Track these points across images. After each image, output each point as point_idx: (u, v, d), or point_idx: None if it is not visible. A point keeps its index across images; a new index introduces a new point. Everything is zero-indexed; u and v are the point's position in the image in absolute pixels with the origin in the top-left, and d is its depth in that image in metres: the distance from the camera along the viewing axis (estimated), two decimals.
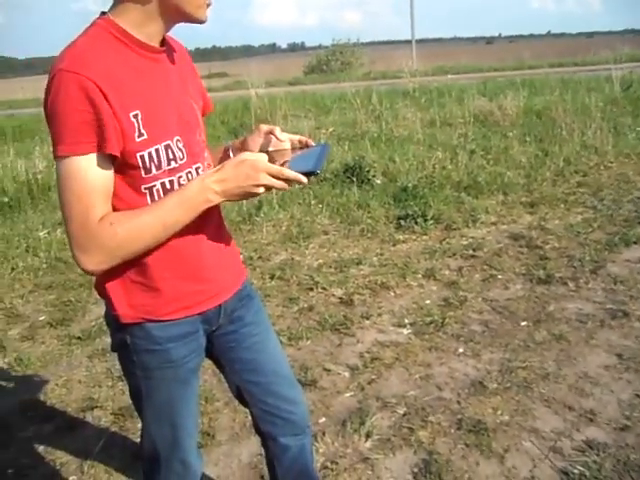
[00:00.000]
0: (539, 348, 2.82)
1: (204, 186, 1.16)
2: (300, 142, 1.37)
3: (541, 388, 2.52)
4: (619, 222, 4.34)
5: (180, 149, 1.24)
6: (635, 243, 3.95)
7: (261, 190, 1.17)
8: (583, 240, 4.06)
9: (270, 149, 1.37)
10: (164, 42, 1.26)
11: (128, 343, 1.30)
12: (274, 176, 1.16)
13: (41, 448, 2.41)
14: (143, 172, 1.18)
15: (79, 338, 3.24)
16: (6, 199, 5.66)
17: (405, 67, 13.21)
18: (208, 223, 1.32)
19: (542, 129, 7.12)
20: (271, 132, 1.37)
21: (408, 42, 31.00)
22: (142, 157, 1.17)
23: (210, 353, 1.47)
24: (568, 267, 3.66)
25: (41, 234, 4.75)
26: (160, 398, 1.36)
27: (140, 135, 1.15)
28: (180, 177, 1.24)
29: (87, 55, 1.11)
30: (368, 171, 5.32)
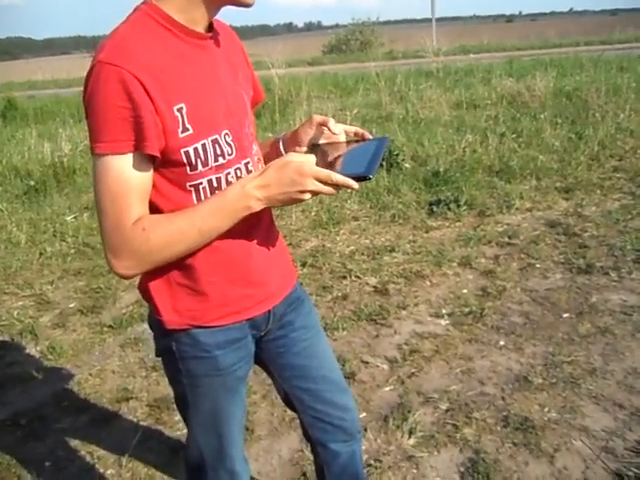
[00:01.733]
0: (584, 341, 2.73)
1: (245, 192, 1.07)
2: (356, 134, 1.27)
3: (588, 384, 2.43)
4: None
5: (229, 144, 1.15)
6: None
7: (307, 196, 1.07)
8: (623, 228, 3.93)
9: (322, 142, 1.27)
10: (212, 28, 1.17)
11: (174, 350, 1.24)
12: (322, 181, 1.05)
13: (77, 440, 2.38)
14: (188, 169, 1.10)
15: (110, 326, 3.21)
16: (32, 182, 5.64)
17: (427, 46, 12.98)
18: (258, 224, 1.24)
19: (573, 111, 6.92)
20: (324, 124, 1.26)
21: (427, 21, 30.54)
22: (187, 153, 1.08)
23: (258, 359, 1.41)
24: (609, 256, 3.54)
25: (68, 218, 4.73)
26: (207, 407, 1.30)
27: (185, 130, 1.07)
28: (228, 174, 1.16)
29: (128, 45, 1.02)
30: (397, 155, 5.20)
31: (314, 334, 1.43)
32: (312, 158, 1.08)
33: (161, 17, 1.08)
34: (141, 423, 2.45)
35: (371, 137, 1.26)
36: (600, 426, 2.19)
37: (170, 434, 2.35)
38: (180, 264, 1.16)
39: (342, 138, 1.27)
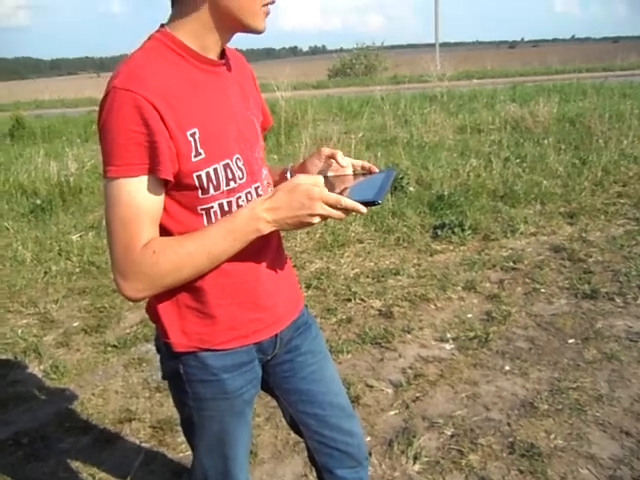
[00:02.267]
0: (590, 367, 2.71)
1: (254, 215, 1.08)
2: (363, 168, 1.28)
3: (595, 411, 2.41)
4: None
5: (240, 168, 1.17)
6: None
7: (316, 220, 1.07)
8: (627, 254, 3.93)
9: (329, 174, 1.29)
10: (224, 54, 1.19)
11: (181, 373, 1.23)
12: (331, 205, 1.06)
13: (79, 461, 2.36)
14: (200, 193, 1.11)
15: (114, 346, 3.20)
16: (38, 201, 5.66)
17: (432, 71, 13.12)
18: (267, 248, 1.25)
19: (577, 137, 6.96)
20: (332, 156, 1.27)
21: (431, 46, 30.86)
22: (199, 177, 1.10)
23: (264, 382, 1.40)
24: (614, 282, 3.54)
25: (74, 237, 4.74)
26: (213, 430, 1.29)
27: (197, 154, 1.08)
28: (239, 198, 1.17)
29: (143, 71, 1.05)
30: (402, 178, 5.22)
31: (321, 359, 1.42)
32: (320, 179, 1.09)
33: (175, 44, 1.10)
34: (144, 445, 2.43)
35: (377, 170, 1.27)
36: (607, 454, 2.17)
37: (173, 456, 2.34)
38: (189, 287, 1.17)
39: (349, 171, 1.28)
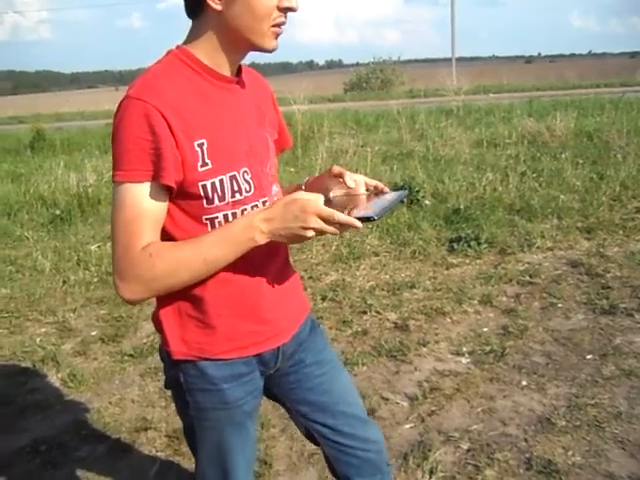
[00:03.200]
0: (608, 384, 2.68)
1: (250, 224, 1.10)
2: (376, 188, 1.29)
3: (613, 428, 2.38)
4: None
5: (247, 181, 1.19)
6: None
7: (310, 234, 1.08)
8: None
9: (337, 193, 1.29)
10: (240, 72, 1.24)
11: (181, 381, 1.25)
12: (325, 219, 1.07)
13: (95, 470, 2.38)
14: (205, 202, 1.14)
15: (131, 355, 3.23)
16: (58, 212, 5.75)
17: (448, 85, 13.14)
18: (272, 261, 1.27)
19: (595, 151, 6.92)
20: (340, 176, 1.29)
21: (447, 60, 30.91)
22: (204, 187, 1.13)
23: (273, 395, 1.42)
24: (633, 298, 3.50)
25: (92, 247, 4.80)
26: (213, 440, 1.30)
27: (204, 165, 1.12)
28: (244, 210, 1.19)
29: (156, 83, 1.10)
30: (418, 191, 5.23)
31: (329, 369, 1.42)
32: (320, 197, 1.09)
33: (191, 60, 1.16)
34: (159, 454, 2.44)
35: (389, 191, 1.28)
36: (626, 472, 2.14)
37: (188, 466, 2.34)
38: (190, 295, 1.19)
39: (362, 190, 1.28)
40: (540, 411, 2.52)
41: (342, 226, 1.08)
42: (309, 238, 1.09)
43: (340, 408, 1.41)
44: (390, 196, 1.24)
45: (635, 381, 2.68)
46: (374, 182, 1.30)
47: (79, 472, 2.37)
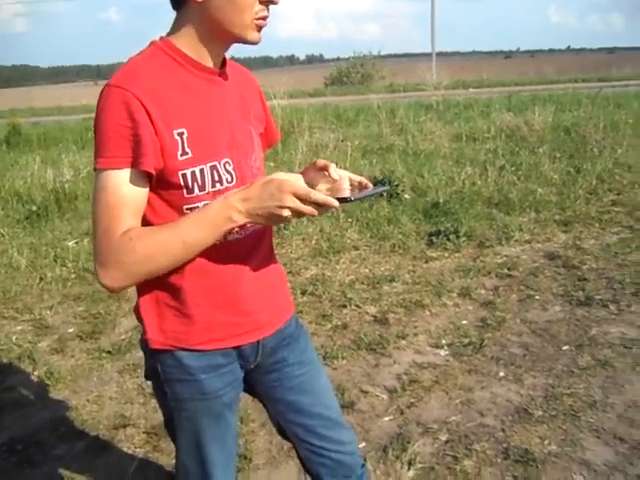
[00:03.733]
0: (584, 374, 2.72)
1: (227, 204, 1.09)
2: (360, 184, 1.28)
3: (589, 417, 2.42)
4: None
5: (229, 172, 1.19)
6: None
7: (286, 213, 1.06)
8: (621, 261, 3.95)
9: (322, 187, 1.28)
10: (224, 65, 1.24)
11: (159, 371, 1.25)
12: (301, 198, 1.06)
13: (73, 468, 2.35)
14: (185, 192, 1.14)
15: (109, 352, 3.20)
16: (34, 208, 5.66)
17: (428, 80, 13.19)
18: (254, 254, 1.27)
19: (572, 145, 7.01)
20: (325, 168, 1.27)
21: (427, 55, 31.01)
22: (184, 176, 1.13)
23: (253, 390, 1.41)
24: (608, 289, 3.55)
25: (69, 244, 4.74)
26: (191, 431, 1.29)
27: (184, 153, 1.12)
28: None
29: (137, 72, 1.11)
30: (397, 185, 5.25)
31: (309, 370, 1.42)
32: (299, 177, 1.10)
33: (173, 51, 1.16)
34: (138, 451, 2.43)
35: (372, 186, 1.27)
36: (601, 460, 2.18)
37: (167, 462, 2.33)
38: (169, 285, 1.19)
39: (346, 185, 1.27)
40: (517, 401, 2.55)
41: (319, 206, 1.07)
42: (286, 218, 1.08)
43: (317, 410, 1.41)
44: (372, 190, 1.25)
45: (610, 371, 2.73)
46: (359, 178, 1.29)
47: (56, 470, 2.35)
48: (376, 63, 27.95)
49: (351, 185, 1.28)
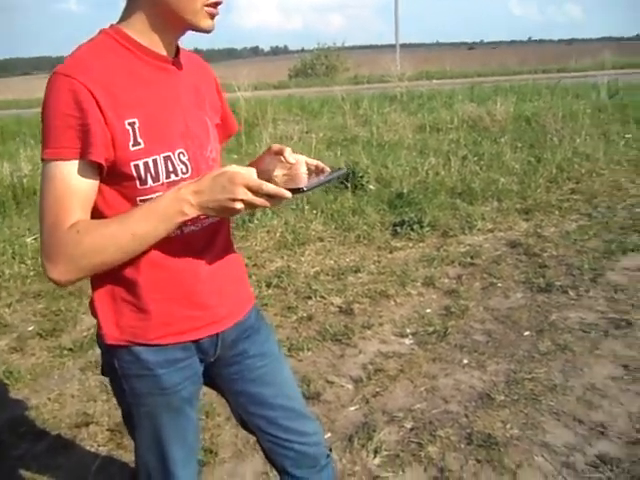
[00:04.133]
0: (544, 359, 2.78)
1: (179, 197, 1.07)
2: (317, 168, 1.27)
3: (549, 400, 2.47)
4: (615, 230, 4.33)
5: (183, 162, 1.16)
6: (632, 251, 3.94)
7: (238, 206, 1.05)
8: (580, 248, 4.04)
9: (279, 172, 1.26)
10: (178, 53, 1.21)
11: (116, 367, 1.22)
12: (254, 191, 1.04)
13: (34, 468, 2.30)
14: (138, 183, 1.11)
15: (70, 349, 3.13)
16: None
17: (392, 71, 13.25)
18: (211, 245, 1.25)
19: (532, 135, 7.14)
20: (281, 152, 1.25)
21: (391, 46, 31.11)
22: (137, 167, 1.10)
23: (214, 384, 1.40)
24: (567, 275, 3.63)
25: (28, 240, 4.62)
26: (151, 427, 1.27)
27: (136, 144, 1.09)
28: None
29: (85, 60, 1.08)
30: (362, 177, 5.27)
31: (271, 361, 1.40)
32: (251, 171, 1.07)
33: (124, 39, 1.13)
34: (101, 448, 2.39)
35: (329, 169, 1.26)
36: (561, 442, 2.23)
37: (130, 459, 2.29)
38: (124, 279, 1.17)
39: (303, 170, 1.26)
40: (480, 387, 2.60)
41: (272, 198, 1.06)
42: (238, 211, 1.07)
43: (279, 401, 1.40)
44: (329, 174, 1.24)
45: (569, 355, 2.79)
46: (315, 162, 1.28)
47: (17, 471, 2.29)
48: (340, 55, 27.93)
49: (308, 169, 1.27)
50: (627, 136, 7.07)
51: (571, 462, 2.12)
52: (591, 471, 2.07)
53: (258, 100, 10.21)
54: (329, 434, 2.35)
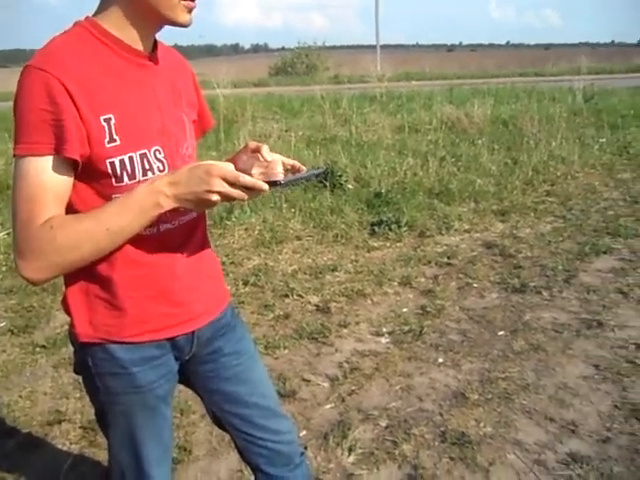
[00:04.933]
0: (518, 358, 2.81)
1: (154, 189, 1.06)
2: (293, 167, 1.27)
3: (522, 399, 2.51)
4: (588, 232, 4.41)
5: (160, 160, 1.15)
6: (605, 253, 4.01)
7: (215, 198, 1.04)
8: (554, 249, 4.10)
9: (254, 171, 1.25)
10: (155, 48, 1.19)
11: (89, 365, 1.20)
12: (231, 183, 1.04)
13: (5, 466, 2.26)
14: (114, 180, 1.10)
15: (43, 346, 3.09)
16: None
17: (372, 72, 13.30)
18: (187, 242, 1.24)
19: (509, 137, 7.23)
20: (258, 150, 1.25)
21: (372, 47, 31.23)
22: (112, 164, 1.08)
23: (188, 382, 1.38)
24: (541, 276, 3.69)
25: (0, 235, 4.54)
26: (125, 425, 1.25)
27: (112, 141, 1.07)
28: None
29: (60, 53, 1.05)
30: (340, 176, 5.28)
31: (246, 360, 1.40)
32: (228, 164, 1.07)
33: (100, 33, 1.10)
34: (73, 446, 2.36)
35: (305, 169, 1.27)
36: (533, 440, 2.26)
37: (104, 457, 2.25)
38: (99, 276, 1.15)
39: (279, 169, 1.26)
40: (455, 386, 2.62)
41: (249, 190, 1.05)
42: (215, 203, 1.06)
43: (254, 399, 1.39)
44: (306, 173, 1.25)
45: (542, 354, 2.83)
46: (292, 161, 1.28)
47: None
48: (321, 54, 27.99)
49: (285, 169, 1.27)
50: (601, 140, 7.20)
51: (542, 460, 2.15)
52: (562, 468, 2.11)
53: (237, 98, 10.18)
54: (304, 432, 2.35)
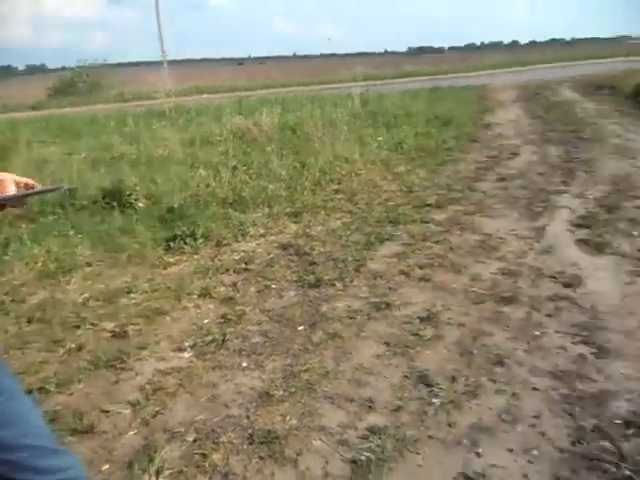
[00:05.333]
0: (317, 349, 2.93)
1: None
2: (27, 185, 1.26)
3: (323, 387, 2.61)
4: (373, 223, 4.76)
5: None
6: (388, 240, 4.36)
7: None
8: (345, 242, 4.36)
9: None
10: None
11: None
12: None
13: None
14: None
15: None
16: None
17: (160, 88, 13.04)
18: None
19: (297, 142, 7.56)
20: None
21: (158, 63, 30.62)
22: None
23: None
24: (335, 269, 3.89)
25: None
26: None
27: None
28: None
29: None
30: (130, 195, 5.08)
31: (5, 400, 1.28)
32: None
33: None
34: None
35: (40, 186, 1.28)
36: (335, 423, 2.37)
37: None
38: None
39: (12, 188, 1.23)
40: (260, 387, 2.65)
41: None
42: None
43: (22, 441, 1.28)
44: (40, 189, 1.22)
45: (339, 342, 2.98)
46: (25, 179, 1.26)
47: None
48: (105, 72, 26.78)
49: (17, 186, 1.22)
50: (379, 139, 7.85)
51: (345, 439, 2.26)
52: (362, 442, 2.23)
53: (12, 122, 9.32)
54: (107, 466, 2.21)
